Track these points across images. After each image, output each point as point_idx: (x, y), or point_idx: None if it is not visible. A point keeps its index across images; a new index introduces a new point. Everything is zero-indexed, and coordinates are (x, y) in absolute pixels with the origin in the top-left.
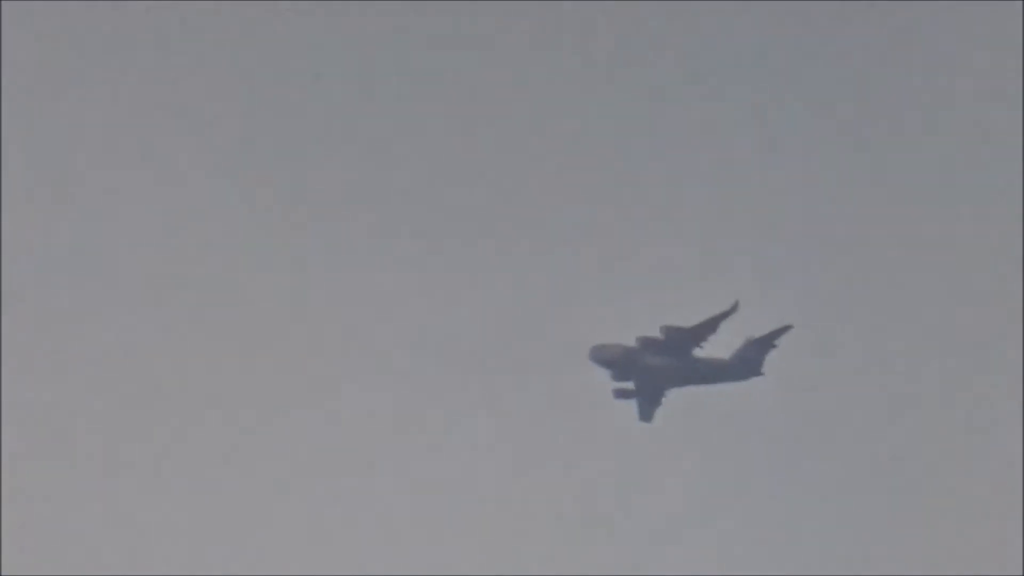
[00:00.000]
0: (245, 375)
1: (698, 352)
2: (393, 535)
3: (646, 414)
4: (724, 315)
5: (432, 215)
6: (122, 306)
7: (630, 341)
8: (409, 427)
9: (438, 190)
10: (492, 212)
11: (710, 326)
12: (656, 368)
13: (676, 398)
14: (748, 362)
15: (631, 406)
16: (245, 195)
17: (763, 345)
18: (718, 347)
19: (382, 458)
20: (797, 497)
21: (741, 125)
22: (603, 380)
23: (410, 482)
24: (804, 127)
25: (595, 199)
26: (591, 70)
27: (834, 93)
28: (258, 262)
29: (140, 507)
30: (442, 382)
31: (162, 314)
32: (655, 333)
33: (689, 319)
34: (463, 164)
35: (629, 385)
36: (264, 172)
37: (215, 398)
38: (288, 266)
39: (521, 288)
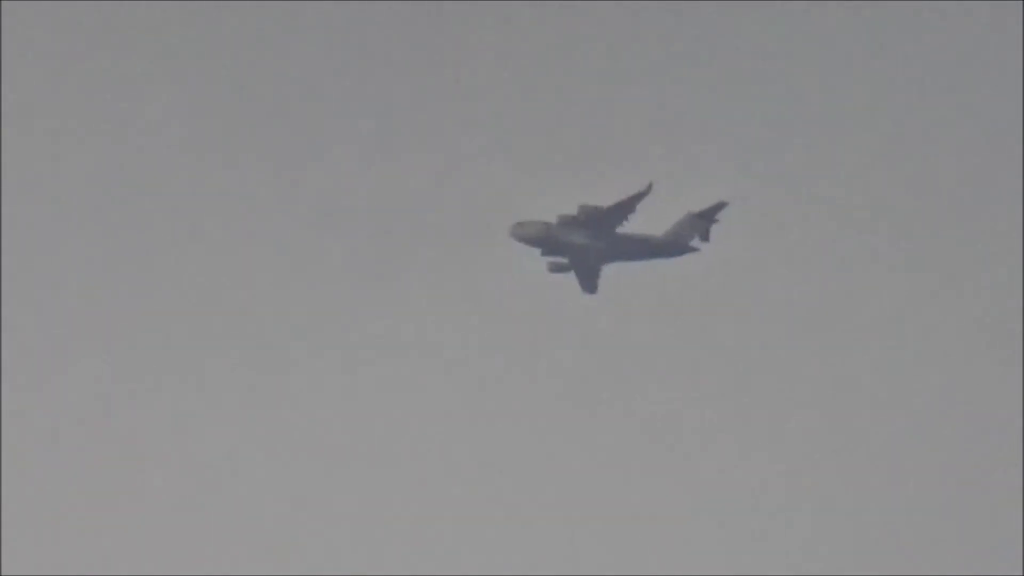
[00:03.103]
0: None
1: (625, 229)
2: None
3: (588, 286)
4: (639, 196)
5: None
6: (121, 305)
7: (551, 218)
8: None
9: (373, 69)
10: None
11: (627, 206)
12: (579, 246)
13: (614, 272)
14: (683, 238)
15: (570, 279)
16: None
17: (701, 220)
18: (658, 222)
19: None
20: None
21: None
22: (534, 255)
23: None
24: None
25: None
26: None
27: (833, 92)
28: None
29: (140, 507)
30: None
31: (159, 312)
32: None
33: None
34: (396, 44)
35: (563, 259)
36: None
37: (207, 394)
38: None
39: (447, 162)
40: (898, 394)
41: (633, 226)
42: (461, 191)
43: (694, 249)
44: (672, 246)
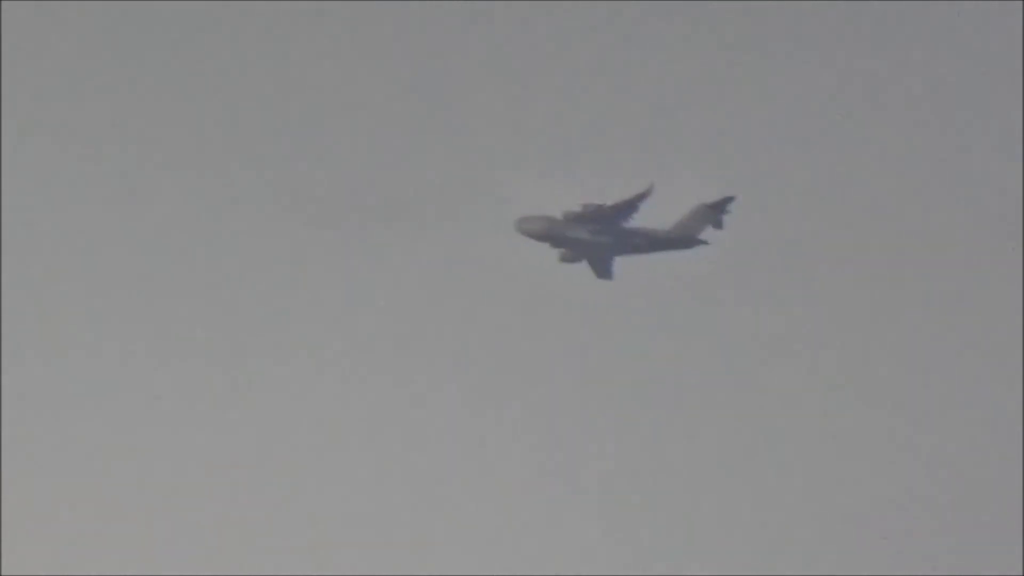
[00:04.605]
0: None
1: (632, 223)
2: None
3: (602, 272)
4: (642, 196)
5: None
6: (120, 303)
7: (557, 213)
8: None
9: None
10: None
11: (629, 205)
12: (585, 241)
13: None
14: (693, 230)
15: (583, 268)
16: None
17: (712, 212)
18: (670, 214)
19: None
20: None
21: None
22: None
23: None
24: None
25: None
26: None
27: (834, 92)
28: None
29: (140, 507)
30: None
31: (156, 311)
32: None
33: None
34: (405, 38)
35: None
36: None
37: (204, 392)
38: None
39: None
40: (905, 390)
41: (642, 216)
42: (460, 183)
43: (703, 242)
44: (681, 239)
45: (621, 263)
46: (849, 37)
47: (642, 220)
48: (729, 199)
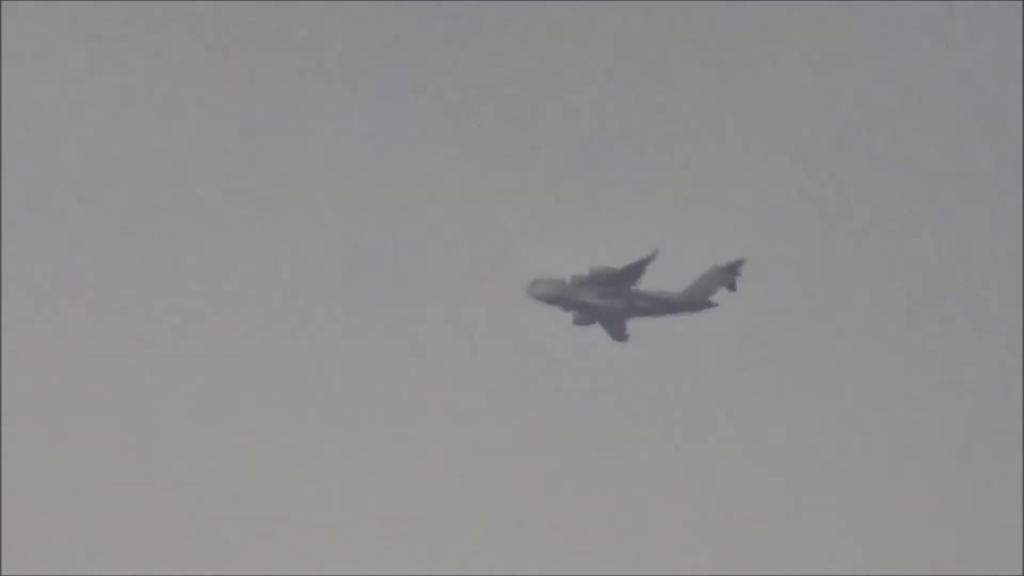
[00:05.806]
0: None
1: (642, 287)
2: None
3: (617, 334)
4: (646, 261)
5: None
6: (118, 302)
7: (567, 277)
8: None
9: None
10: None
11: (635, 270)
12: (594, 304)
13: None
14: (704, 292)
15: (597, 330)
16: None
17: (724, 275)
18: (687, 276)
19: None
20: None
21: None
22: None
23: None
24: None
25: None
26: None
27: (834, 91)
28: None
29: (140, 507)
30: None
31: (155, 310)
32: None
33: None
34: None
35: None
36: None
37: (204, 393)
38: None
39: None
40: (921, 450)
41: (658, 278)
42: (470, 249)
43: (713, 304)
44: (690, 303)
45: (635, 325)
46: (872, 96)
47: (658, 282)
48: (740, 261)
